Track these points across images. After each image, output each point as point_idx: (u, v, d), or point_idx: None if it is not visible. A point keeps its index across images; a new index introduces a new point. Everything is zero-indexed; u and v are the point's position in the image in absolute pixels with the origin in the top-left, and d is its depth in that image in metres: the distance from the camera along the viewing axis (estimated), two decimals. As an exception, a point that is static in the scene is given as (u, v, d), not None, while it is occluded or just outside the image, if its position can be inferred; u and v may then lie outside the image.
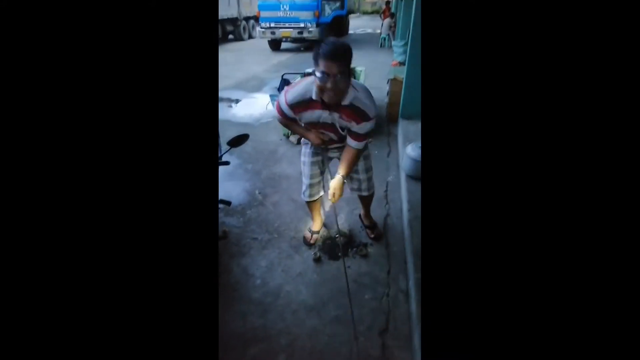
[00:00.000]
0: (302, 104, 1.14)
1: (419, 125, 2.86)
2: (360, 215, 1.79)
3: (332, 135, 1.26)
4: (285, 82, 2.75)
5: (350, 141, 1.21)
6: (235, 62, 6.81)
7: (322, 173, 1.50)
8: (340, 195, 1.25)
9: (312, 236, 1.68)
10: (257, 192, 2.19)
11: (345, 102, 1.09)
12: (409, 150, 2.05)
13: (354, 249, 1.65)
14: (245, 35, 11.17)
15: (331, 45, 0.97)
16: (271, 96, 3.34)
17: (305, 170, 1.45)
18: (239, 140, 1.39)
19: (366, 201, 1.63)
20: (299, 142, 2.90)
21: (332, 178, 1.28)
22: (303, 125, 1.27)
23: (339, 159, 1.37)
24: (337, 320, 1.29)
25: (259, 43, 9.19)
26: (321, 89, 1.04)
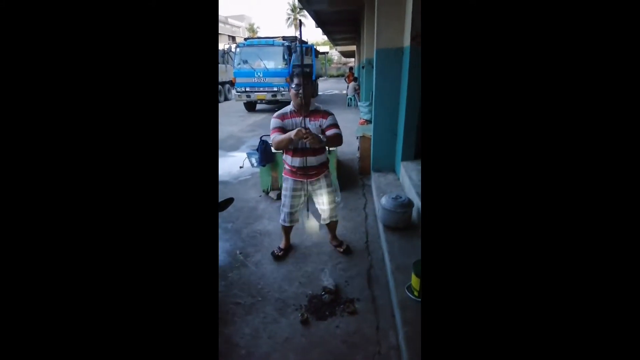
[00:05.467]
0: (282, 115, 1.78)
1: (390, 177, 3.08)
2: (329, 241, 2.21)
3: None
4: (263, 143, 2.91)
5: (329, 132, 1.77)
6: (212, 122, 7.07)
7: (302, 203, 1.96)
8: (314, 141, 1.64)
9: (280, 252, 2.09)
10: (237, 252, 2.15)
11: (311, 108, 1.78)
12: (384, 202, 2.18)
13: (341, 306, 1.62)
14: (222, 98, 11.89)
15: (299, 69, 1.74)
16: (248, 154, 3.47)
17: (287, 201, 1.92)
18: (224, 204, 1.43)
19: (330, 227, 2.12)
20: (278, 198, 2.97)
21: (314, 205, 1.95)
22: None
23: (317, 191, 1.90)
24: (330, 389, 1.22)
25: (235, 105, 9.74)
26: (296, 95, 1.70)
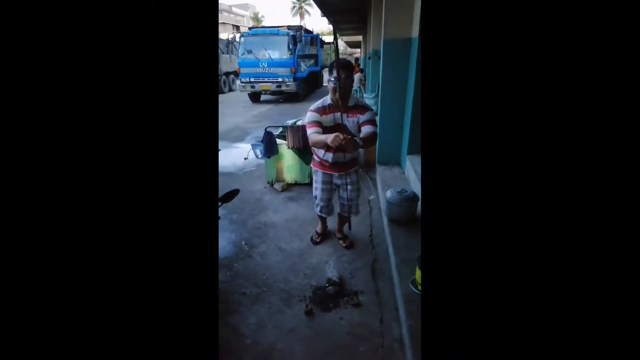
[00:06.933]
0: (321, 109, 1.66)
1: (395, 170, 3.06)
2: (334, 232, 2.22)
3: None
4: (268, 134, 2.90)
5: (364, 128, 1.63)
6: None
7: (332, 196, 1.96)
8: (348, 144, 1.45)
9: (318, 237, 2.15)
10: (243, 243, 2.17)
11: (350, 103, 1.66)
12: (389, 195, 2.17)
13: (345, 298, 1.64)
14: (226, 89, 11.84)
15: (342, 60, 1.62)
16: (253, 145, 3.47)
17: (318, 194, 1.93)
18: (229, 196, 1.43)
19: (341, 220, 2.10)
20: (283, 190, 2.97)
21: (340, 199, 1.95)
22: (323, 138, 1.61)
23: (344, 186, 1.83)
24: (334, 379, 1.24)
25: (239, 95, 9.69)
26: (334, 90, 1.57)
